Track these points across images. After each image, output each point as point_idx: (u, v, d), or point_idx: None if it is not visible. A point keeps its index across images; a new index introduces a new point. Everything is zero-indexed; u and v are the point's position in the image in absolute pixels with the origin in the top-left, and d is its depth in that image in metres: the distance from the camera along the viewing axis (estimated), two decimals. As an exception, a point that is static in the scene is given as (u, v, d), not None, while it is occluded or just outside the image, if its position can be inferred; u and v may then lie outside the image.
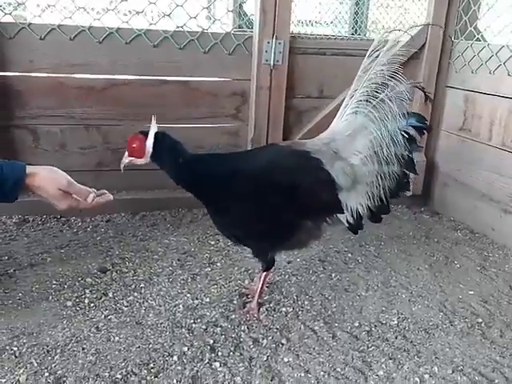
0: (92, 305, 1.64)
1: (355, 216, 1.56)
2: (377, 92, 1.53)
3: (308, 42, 2.49)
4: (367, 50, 1.58)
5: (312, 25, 3.55)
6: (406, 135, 1.54)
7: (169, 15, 2.28)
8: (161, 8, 2.34)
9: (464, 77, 2.49)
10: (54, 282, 1.75)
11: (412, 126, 1.56)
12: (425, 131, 1.61)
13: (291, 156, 1.55)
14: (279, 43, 2.35)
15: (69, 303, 1.63)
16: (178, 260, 1.98)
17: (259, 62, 2.37)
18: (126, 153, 1.50)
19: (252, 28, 2.46)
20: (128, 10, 2.41)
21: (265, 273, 1.67)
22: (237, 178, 1.47)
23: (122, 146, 2.37)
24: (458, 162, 2.55)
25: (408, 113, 1.56)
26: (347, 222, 1.57)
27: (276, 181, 1.48)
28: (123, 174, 2.38)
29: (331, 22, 3.50)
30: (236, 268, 1.93)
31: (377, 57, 1.54)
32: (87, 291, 1.71)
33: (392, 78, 1.53)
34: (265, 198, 1.47)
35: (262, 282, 1.67)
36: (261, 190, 1.47)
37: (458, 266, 2.07)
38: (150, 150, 1.48)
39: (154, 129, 1.48)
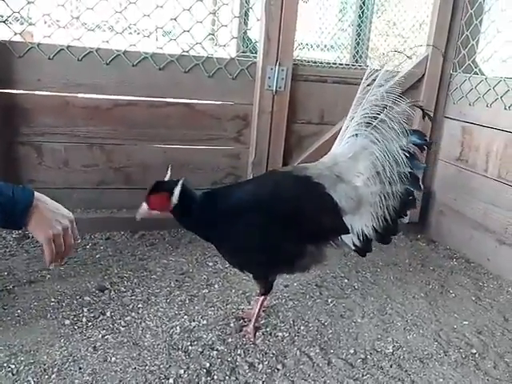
0: (90, 324, 1.65)
1: (362, 238, 1.57)
2: (376, 113, 1.56)
3: (310, 70, 2.54)
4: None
5: (314, 49, 3.61)
6: (407, 153, 1.56)
7: (175, 39, 2.34)
8: (167, 31, 2.40)
9: (462, 108, 2.55)
10: (53, 300, 1.76)
11: (413, 144, 1.59)
12: (426, 147, 1.64)
13: (292, 183, 1.57)
14: (282, 70, 2.40)
15: (67, 321, 1.64)
16: (176, 281, 1.99)
17: (262, 88, 2.42)
18: (146, 205, 1.51)
19: (255, 53, 2.52)
20: (135, 30, 2.47)
21: (262, 297, 1.68)
22: (240, 210, 1.50)
23: (124, 165, 2.41)
24: (454, 191, 2.58)
25: (408, 131, 1.57)
26: (353, 244, 1.59)
27: (278, 210, 1.50)
28: (124, 192, 2.46)
29: (331, 47, 3.56)
30: (233, 291, 1.95)
31: (374, 80, 1.60)
32: (85, 310, 1.72)
33: (390, 98, 1.57)
34: (268, 226, 1.49)
35: (259, 306, 1.69)
36: (263, 219, 1.49)
37: (453, 295, 2.09)
38: (175, 203, 1.49)
39: (179, 187, 1.48)
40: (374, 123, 1.56)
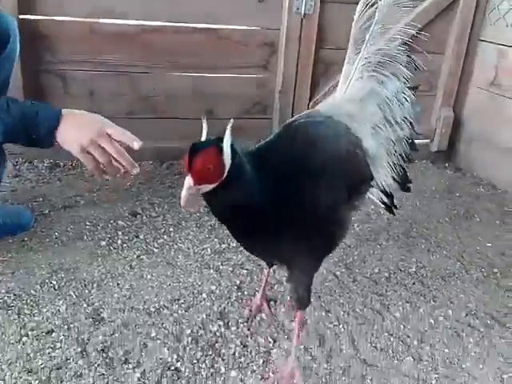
0: (125, 245, 1.73)
1: (387, 191, 1.37)
2: (379, 50, 1.35)
3: (340, -9, 2.45)
4: (402, -1, 1.55)
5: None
6: (405, 94, 1.38)
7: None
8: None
9: (498, 30, 2.44)
10: (88, 224, 1.84)
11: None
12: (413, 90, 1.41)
13: (322, 127, 1.26)
14: (311, -10, 2.32)
15: (103, 243, 1.73)
16: (205, 207, 2.04)
17: (290, 10, 2.35)
18: (190, 180, 0.99)
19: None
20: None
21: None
22: (311, 170, 1.14)
23: (151, 94, 2.41)
24: (485, 117, 2.53)
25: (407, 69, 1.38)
26: (381, 200, 1.38)
27: (341, 162, 1.20)
28: (151, 122, 2.47)
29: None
30: (261, 215, 2.00)
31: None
32: (119, 233, 1.80)
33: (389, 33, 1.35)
34: (325, 184, 1.16)
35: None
36: (335, 178, 1.18)
37: (478, 219, 2.11)
38: (228, 166, 1.00)
39: (228, 138, 1.01)
40: (375, 62, 1.34)
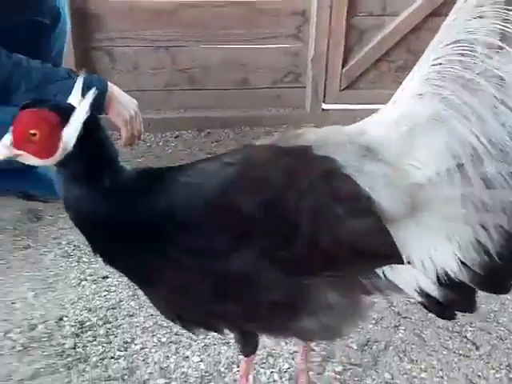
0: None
1: (440, 278, 0.86)
2: (468, 61, 0.83)
3: (372, -44, 2.46)
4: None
5: None
6: None
7: None
8: None
9: None
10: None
11: None
12: None
13: (273, 161, 0.90)
14: (342, -44, 2.35)
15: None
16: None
17: (320, -21, 2.39)
18: (9, 137, 0.79)
19: None
20: None
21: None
22: (183, 215, 0.86)
23: (188, 66, 2.53)
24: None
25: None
26: (419, 290, 0.88)
27: (247, 209, 0.85)
28: (189, 93, 2.57)
29: None
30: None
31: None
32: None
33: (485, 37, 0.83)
34: (231, 247, 0.85)
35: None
36: (219, 231, 0.86)
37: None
38: (70, 146, 0.79)
39: (85, 109, 0.80)
40: (464, 78, 0.83)
